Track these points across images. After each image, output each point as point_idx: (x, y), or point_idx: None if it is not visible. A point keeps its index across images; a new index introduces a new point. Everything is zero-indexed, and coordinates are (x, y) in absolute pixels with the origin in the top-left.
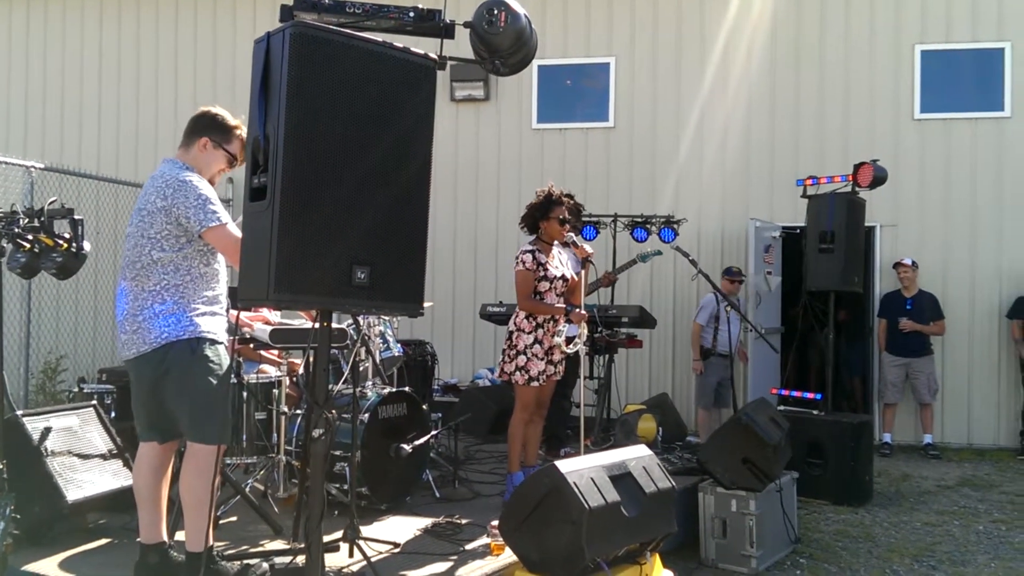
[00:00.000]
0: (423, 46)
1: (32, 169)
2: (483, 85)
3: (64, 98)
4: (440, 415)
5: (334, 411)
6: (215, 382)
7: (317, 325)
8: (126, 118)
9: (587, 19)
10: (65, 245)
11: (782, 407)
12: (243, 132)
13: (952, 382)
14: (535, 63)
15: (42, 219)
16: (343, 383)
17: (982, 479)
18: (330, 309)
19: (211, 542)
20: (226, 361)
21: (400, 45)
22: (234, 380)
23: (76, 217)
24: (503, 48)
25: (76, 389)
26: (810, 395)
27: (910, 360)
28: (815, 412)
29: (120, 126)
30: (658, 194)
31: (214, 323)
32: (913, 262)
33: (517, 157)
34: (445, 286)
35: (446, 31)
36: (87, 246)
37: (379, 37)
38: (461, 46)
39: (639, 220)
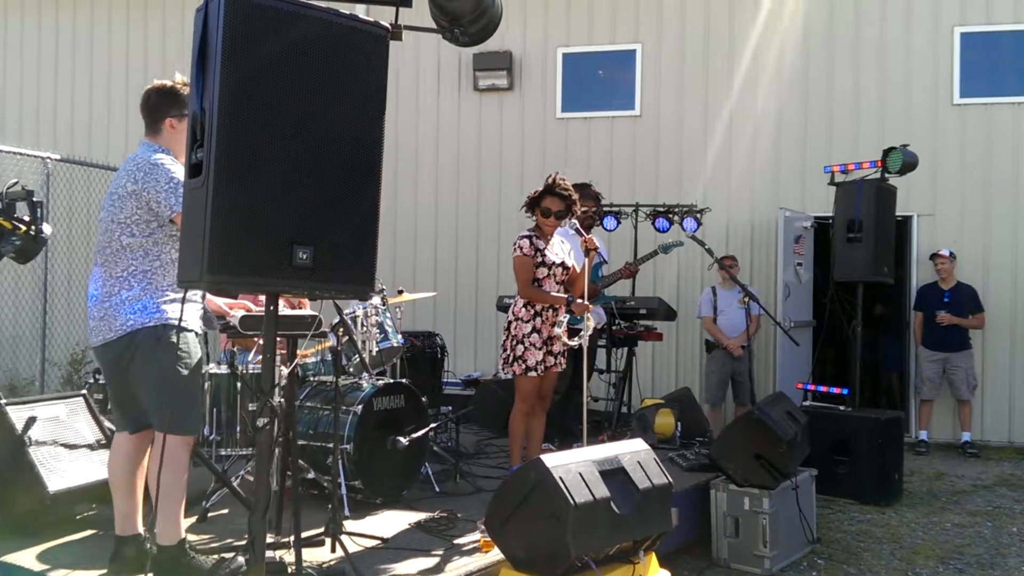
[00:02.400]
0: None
1: (48, 160)
2: (507, 74)
3: (75, 91)
4: (450, 408)
5: (280, 399)
6: (182, 370)
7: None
8: (135, 111)
9: (613, 4)
10: (24, 228)
11: (808, 403)
12: (182, 80)
13: (992, 378)
14: (559, 51)
15: (2, 202)
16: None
17: (1020, 479)
18: (269, 291)
19: (183, 535)
20: (196, 349)
21: (347, 12)
22: (226, 370)
23: (35, 199)
24: (463, 16)
25: (92, 380)
26: (836, 390)
27: (947, 355)
28: (842, 408)
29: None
30: (685, 184)
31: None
32: (951, 253)
33: (541, 147)
34: (468, 278)
35: (402, 0)
36: (47, 229)
37: (333, 6)
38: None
39: (661, 210)
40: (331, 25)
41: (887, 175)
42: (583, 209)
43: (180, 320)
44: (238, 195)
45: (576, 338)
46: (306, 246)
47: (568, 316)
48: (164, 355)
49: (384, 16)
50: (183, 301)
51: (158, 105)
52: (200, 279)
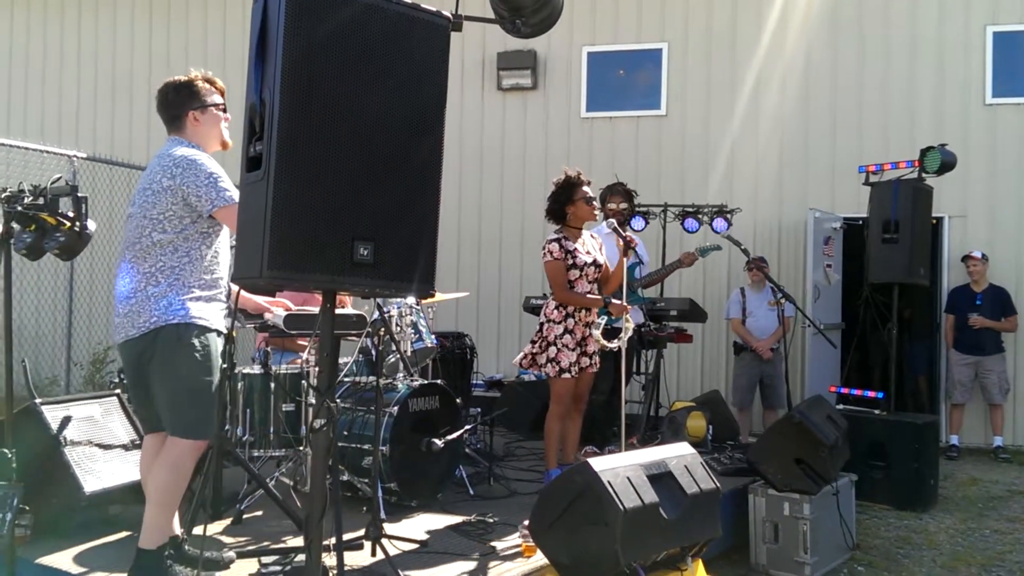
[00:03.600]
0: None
1: (75, 158)
2: (531, 73)
3: (97, 90)
4: (479, 410)
5: (337, 400)
6: (199, 372)
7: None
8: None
9: (639, 3)
10: (68, 224)
11: (841, 406)
12: (197, 74)
13: None
14: (584, 49)
15: (46, 198)
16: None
17: None
18: (330, 288)
19: (164, 541)
20: (216, 351)
21: (409, 1)
22: (260, 370)
23: (80, 195)
24: (525, 6)
25: (116, 380)
26: (871, 394)
27: (980, 358)
28: (877, 412)
29: (151, 118)
30: (712, 184)
31: (208, 309)
32: (983, 255)
33: (565, 147)
34: (491, 279)
35: None
36: (91, 225)
37: None
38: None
39: (690, 210)
40: (393, 14)
41: (924, 175)
42: (611, 207)
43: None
44: (298, 189)
45: (616, 340)
46: (367, 242)
47: (606, 317)
48: (183, 355)
49: (444, 6)
50: (236, 296)
51: (177, 101)
52: (260, 275)
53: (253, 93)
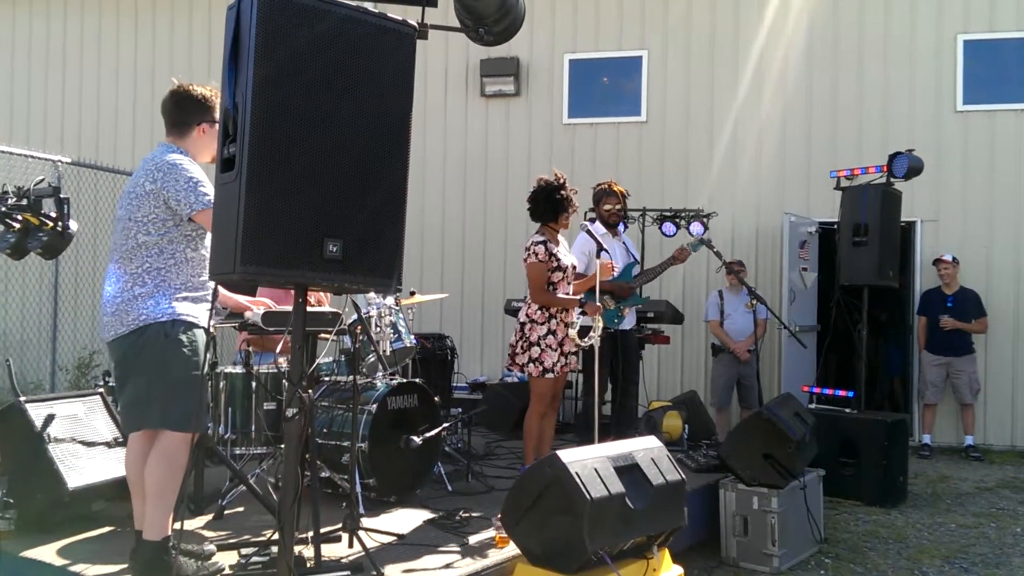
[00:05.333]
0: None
1: (59, 163)
2: (514, 80)
3: (82, 94)
4: (460, 410)
5: (310, 391)
6: (188, 366)
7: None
8: (142, 114)
9: (619, 11)
10: (51, 224)
11: (814, 405)
12: (215, 88)
13: (995, 382)
14: (566, 57)
15: (29, 199)
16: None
17: (1023, 482)
18: (301, 283)
19: (169, 532)
20: (202, 346)
21: (376, 10)
22: (241, 370)
23: (62, 196)
24: (488, 15)
25: (101, 383)
26: (842, 393)
27: (951, 359)
28: (848, 410)
29: (136, 122)
30: (691, 189)
31: (195, 308)
32: (954, 258)
33: (548, 152)
34: (475, 282)
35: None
36: (73, 226)
37: (363, 5)
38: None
39: (668, 214)
40: (360, 23)
41: (892, 180)
42: (608, 208)
43: (190, 316)
44: (270, 188)
45: (587, 338)
46: (336, 239)
47: (581, 317)
48: (171, 350)
49: (410, 15)
50: (213, 297)
51: (192, 110)
52: (234, 270)
53: (227, 97)
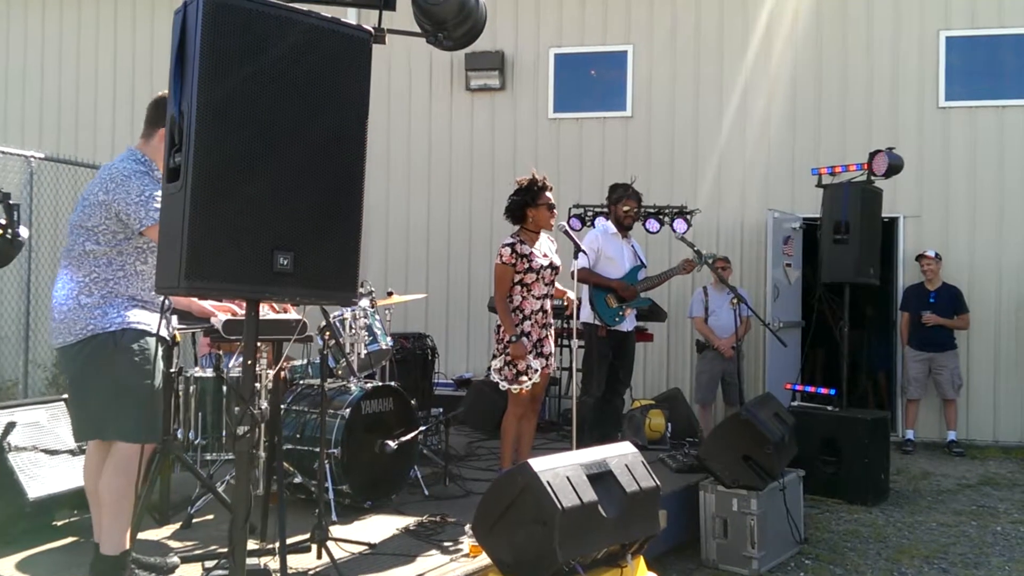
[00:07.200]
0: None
1: (32, 159)
2: (499, 74)
3: (62, 90)
4: (441, 410)
5: (263, 406)
6: (137, 375)
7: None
8: (122, 110)
9: (605, 5)
10: (0, 231)
11: (796, 403)
12: None
13: (977, 377)
14: (551, 51)
15: None
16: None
17: (1005, 478)
18: (251, 298)
19: (127, 546)
20: (154, 354)
21: (330, 16)
22: (212, 374)
23: (12, 202)
24: (446, 20)
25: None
26: (824, 390)
27: (933, 355)
28: (829, 408)
29: (115, 117)
30: (676, 185)
31: (147, 316)
32: (936, 254)
33: (533, 147)
34: (461, 278)
35: (386, 3)
36: (23, 232)
37: (316, 9)
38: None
39: (651, 211)
40: (312, 29)
41: (873, 177)
42: (626, 209)
43: (141, 324)
44: (216, 200)
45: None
46: (287, 251)
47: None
48: (120, 359)
49: (368, 19)
50: (162, 309)
51: (161, 114)
52: (178, 285)
53: (173, 105)
